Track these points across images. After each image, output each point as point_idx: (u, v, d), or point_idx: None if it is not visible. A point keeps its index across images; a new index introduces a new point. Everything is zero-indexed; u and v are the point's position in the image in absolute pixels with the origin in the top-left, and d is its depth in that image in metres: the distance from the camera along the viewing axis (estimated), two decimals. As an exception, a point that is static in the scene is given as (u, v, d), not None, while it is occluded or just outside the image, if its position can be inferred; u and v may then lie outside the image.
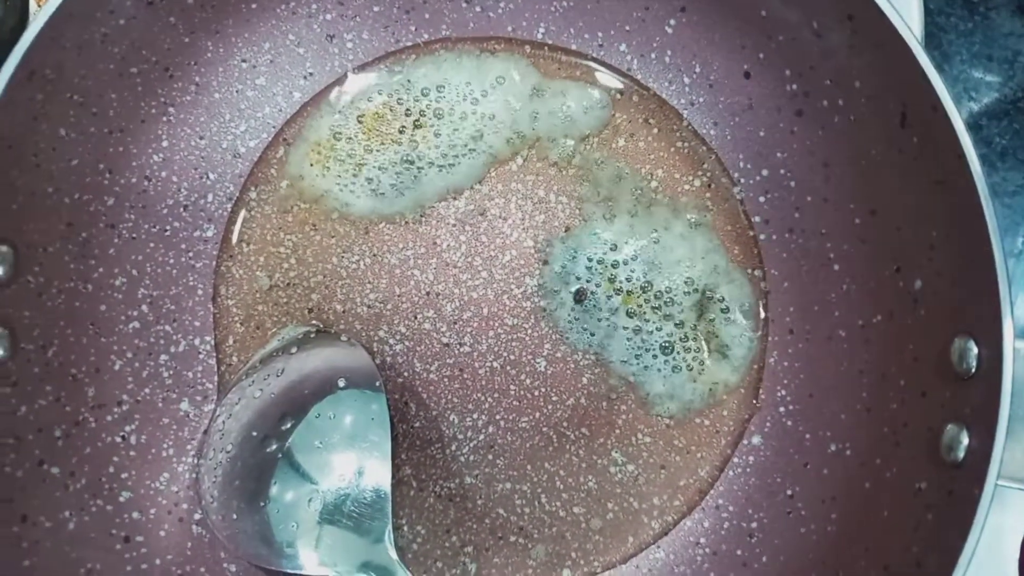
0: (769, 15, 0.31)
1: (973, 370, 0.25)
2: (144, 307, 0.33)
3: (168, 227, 0.34)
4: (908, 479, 0.28)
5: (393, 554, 0.29)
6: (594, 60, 0.36)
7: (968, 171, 0.25)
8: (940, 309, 0.28)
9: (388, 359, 0.34)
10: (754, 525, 0.33)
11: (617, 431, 0.34)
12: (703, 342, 0.34)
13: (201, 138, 0.35)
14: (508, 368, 0.34)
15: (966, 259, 0.26)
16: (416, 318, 0.35)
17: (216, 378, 0.34)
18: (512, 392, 0.34)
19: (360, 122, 0.36)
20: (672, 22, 0.34)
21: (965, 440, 0.25)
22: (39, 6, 0.38)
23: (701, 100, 0.35)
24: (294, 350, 0.33)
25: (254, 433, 0.31)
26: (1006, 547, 0.27)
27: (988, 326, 0.25)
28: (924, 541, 0.26)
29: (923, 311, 0.29)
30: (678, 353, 0.34)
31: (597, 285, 0.35)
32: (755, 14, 0.31)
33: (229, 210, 0.35)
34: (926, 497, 0.27)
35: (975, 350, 0.26)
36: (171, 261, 0.34)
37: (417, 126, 0.36)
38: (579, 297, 0.34)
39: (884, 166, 0.30)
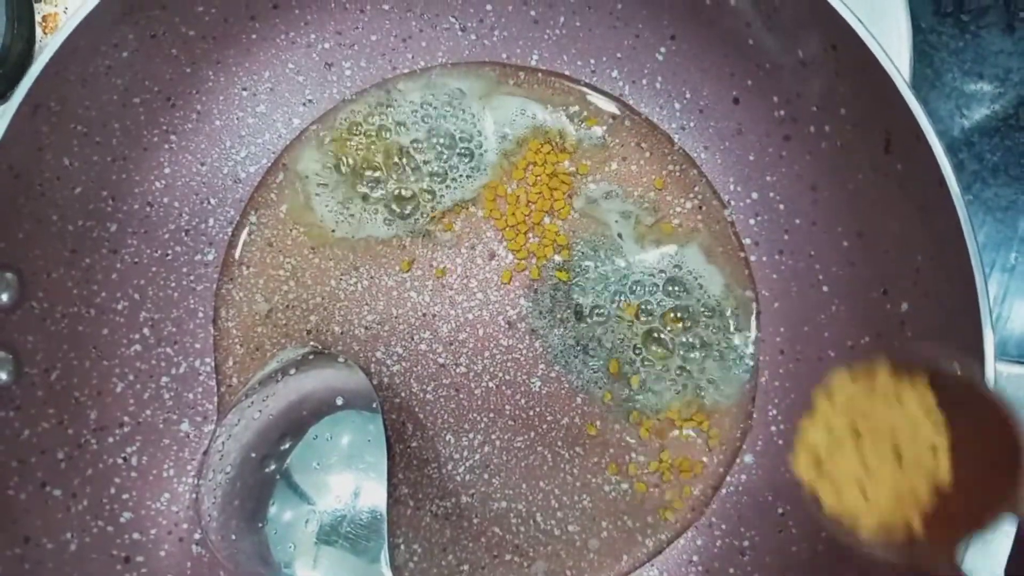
0: (756, 44, 0.31)
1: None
2: (146, 330, 0.34)
3: (169, 251, 0.35)
4: (896, 499, 0.28)
5: (389, 574, 0.29)
6: (587, 86, 0.36)
7: (950, 199, 0.26)
8: (926, 331, 0.28)
9: (385, 380, 0.35)
10: (746, 543, 0.33)
11: (611, 450, 0.34)
12: (695, 362, 0.35)
13: (202, 164, 0.35)
14: (503, 388, 0.35)
15: (950, 283, 0.27)
16: (413, 339, 0.35)
17: (216, 399, 0.35)
18: (507, 412, 0.35)
19: (357, 147, 0.36)
20: (663, 50, 0.35)
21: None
22: (46, 34, 0.39)
23: (692, 125, 0.36)
24: (293, 371, 0.34)
25: (253, 454, 0.32)
26: (994, 563, 0.28)
27: (971, 349, 0.25)
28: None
29: (910, 333, 0.29)
30: (671, 372, 0.35)
31: (592, 306, 0.35)
32: (743, 43, 0.32)
33: (230, 234, 0.36)
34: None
35: (959, 372, 0.26)
36: (172, 284, 0.35)
37: (413, 151, 0.36)
38: (578, 316, 0.35)
39: (870, 191, 0.30)
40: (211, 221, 0.36)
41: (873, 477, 0.19)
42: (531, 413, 0.35)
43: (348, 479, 0.31)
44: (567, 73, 0.36)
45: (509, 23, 0.36)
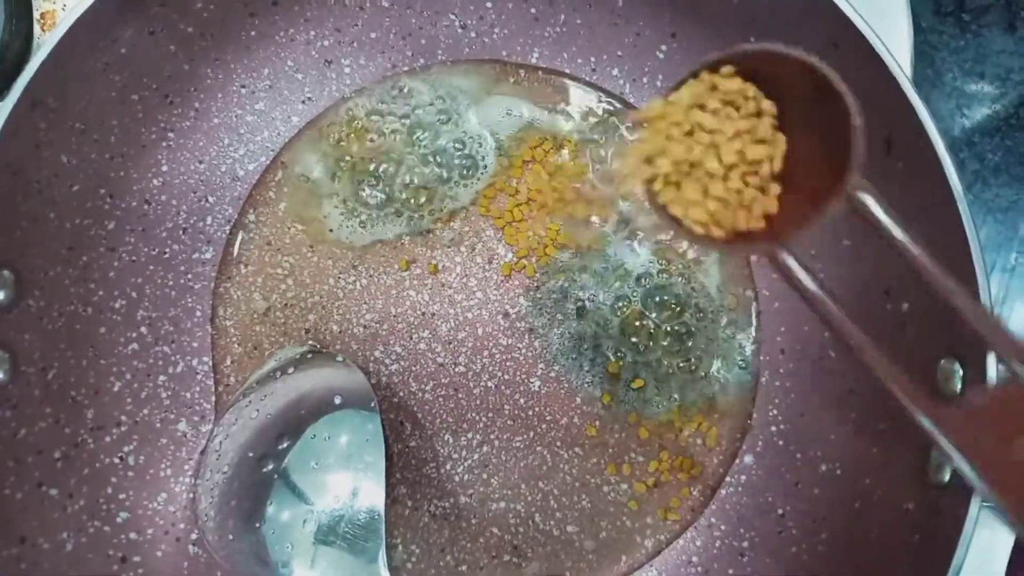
0: (757, 41, 0.31)
1: (958, 392, 0.26)
2: (143, 329, 0.34)
3: (167, 250, 0.35)
4: (896, 500, 0.28)
5: (387, 574, 0.29)
6: (587, 84, 0.36)
7: (951, 198, 0.26)
8: (927, 331, 0.28)
9: (384, 379, 0.35)
10: (745, 544, 0.33)
11: (610, 450, 0.34)
12: (696, 361, 0.35)
13: (200, 162, 0.35)
14: (502, 388, 0.35)
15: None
16: (411, 338, 0.35)
17: (214, 398, 0.35)
18: (506, 412, 0.34)
19: (356, 146, 0.36)
20: (663, 47, 0.35)
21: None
22: (44, 31, 0.39)
23: (692, 124, 0.35)
24: (291, 370, 0.33)
25: (251, 453, 0.31)
26: (994, 566, 0.28)
27: (972, 348, 0.25)
28: (911, 562, 0.27)
29: (911, 333, 0.29)
30: (671, 372, 0.35)
31: (591, 305, 0.35)
32: (744, 40, 0.32)
33: (228, 232, 0.36)
34: (913, 518, 0.27)
35: (960, 372, 0.26)
36: (170, 283, 0.35)
37: (412, 148, 0.36)
38: (577, 315, 0.35)
39: (871, 190, 0.30)
40: (209, 219, 0.35)
41: (706, 172, 0.19)
42: (530, 413, 0.34)
43: (346, 479, 0.31)
44: (567, 71, 0.36)
45: (509, 21, 0.36)
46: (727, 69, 0.20)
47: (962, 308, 0.20)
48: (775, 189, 0.20)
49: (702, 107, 0.20)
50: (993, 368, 0.25)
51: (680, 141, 0.20)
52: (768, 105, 0.20)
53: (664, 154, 0.20)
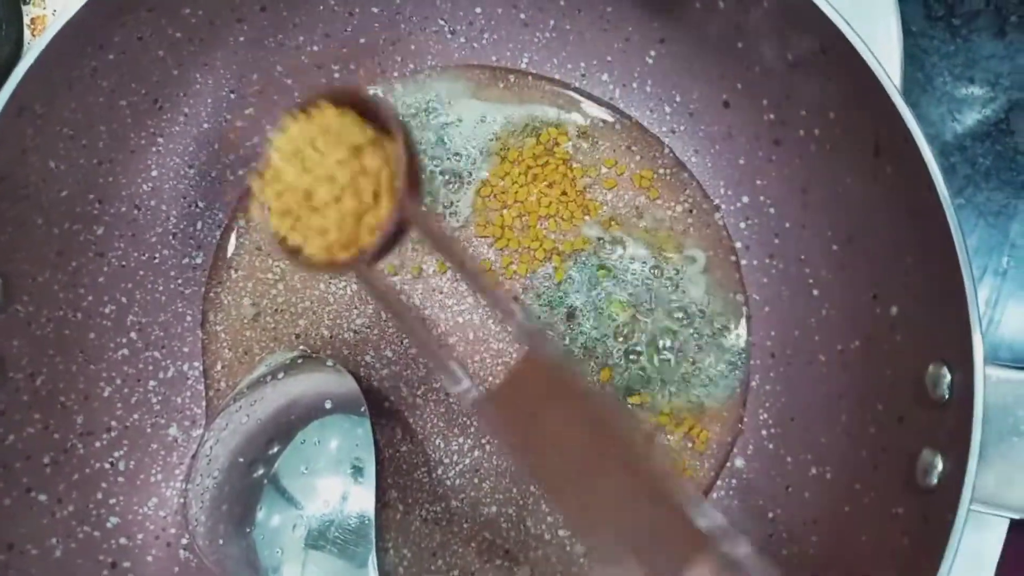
0: (745, 47, 0.31)
1: (947, 396, 0.26)
2: (133, 334, 0.34)
3: (157, 255, 0.35)
4: (885, 503, 0.28)
5: (377, 579, 0.29)
6: (576, 89, 0.36)
7: (939, 203, 0.26)
8: (915, 335, 0.28)
9: (374, 384, 0.35)
10: (737, 548, 0.33)
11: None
12: (687, 365, 0.35)
13: (190, 167, 0.35)
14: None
15: (939, 287, 0.27)
16: (402, 343, 0.35)
17: (204, 403, 0.35)
18: (497, 416, 0.34)
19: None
20: (652, 53, 0.35)
21: (940, 465, 0.26)
22: (34, 36, 0.39)
23: (682, 128, 0.36)
24: (281, 375, 0.33)
25: (241, 458, 0.31)
26: (982, 571, 0.28)
27: (960, 353, 0.25)
28: (901, 566, 0.27)
29: (899, 337, 0.29)
30: (661, 376, 0.35)
31: (581, 309, 0.35)
32: (732, 46, 0.32)
33: (218, 237, 0.36)
34: (902, 522, 0.27)
35: (948, 376, 0.26)
36: (160, 288, 0.35)
37: (403, 154, 0.36)
38: (568, 319, 0.35)
39: (859, 194, 0.30)
40: (199, 224, 0.35)
41: (317, 200, 0.21)
42: (521, 417, 0.34)
43: (336, 483, 0.31)
44: (557, 76, 0.36)
45: (498, 26, 0.36)
46: (325, 105, 0.22)
47: None
48: (384, 206, 0.21)
49: (313, 141, 0.21)
50: (982, 374, 0.25)
51: (289, 174, 0.21)
52: (362, 135, 0.21)
53: (276, 185, 0.21)
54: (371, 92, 0.20)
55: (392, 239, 0.21)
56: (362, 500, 0.30)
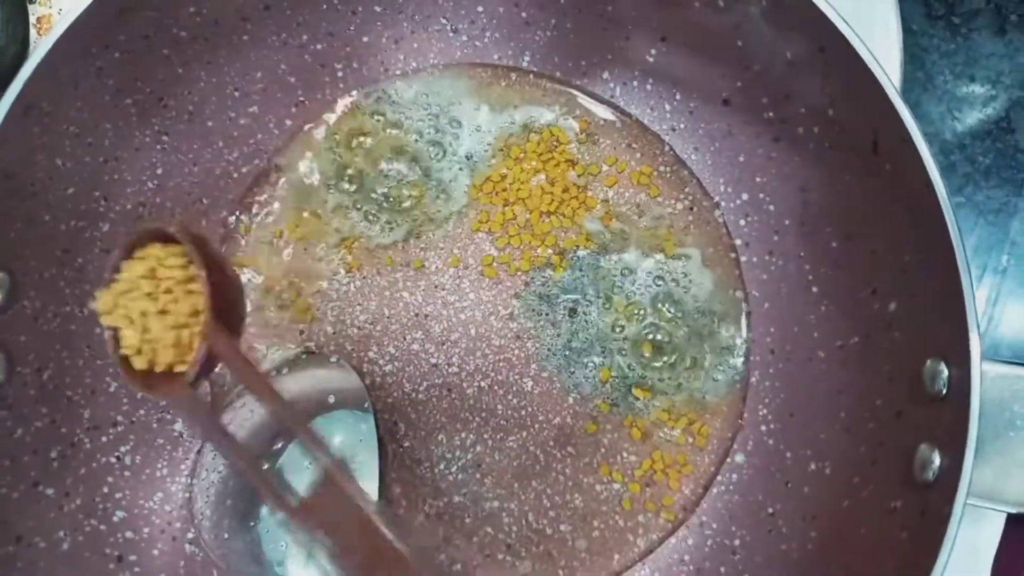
0: (745, 45, 0.32)
1: (944, 392, 0.26)
2: (139, 330, 0.34)
3: (162, 252, 0.35)
4: (884, 498, 0.28)
5: (380, 573, 0.30)
6: (577, 87, 0.37)
7: (937, 201, 0.26)
8: (913, 331, 0.28)
9: (378, 379, 0.35)
10: (737, 543, 0.33)
11: (603, 450, 0.35)
12: (687, 361, 0.35)
13: (195, 165, 0.35)
14: (495, 388, 0.35)
15: (937, 284, 0.27)
16: (405, 339, 0.35)
17: (209, 399, 0.35)
18: (499, 412, 0.35)
19: (349, 149, 0.37)
20: (652, 51, 0.35)
21: (937, 460, 0.26)
22: (40, 35, 0.39)
23: (682, 126, 0.36)
24: (285, 371, 0.34)
25: (245, 454, 0.32)
26: (980, 565, 0.28)
27: (958, 349, 0.26)
28: (899, 560, 0.27)
29: (897, 333, 0.29)
30: (662, 372, 0.35)
31: (583, 306, 0.35)
32: (732, 44, 0.32)
33: (222, 234, 0.36)
34: (900, 516, 0.27)
35: (946, 372, 0.26)
36: (165, 285, 0.35)
37: (404, 151, 0.36)
38: (569, 315, 0.35)
39: (858, 192, 0.30)
40: (204, 222, 0.36)
41: (151, 324, 0.23)
42: (523, 413, 0.35)
43: (340, 478, 0.31)
44: (558, 75, 0.37)
45: (500, 25, 0.36)
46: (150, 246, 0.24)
47: None
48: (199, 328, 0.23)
49: (150, 272, 0.23)
50: (978, 370, 0.25)
51: (130, 304, 0.23)
52: (180, 268, 0.23)
53: (120, 312, 0.23)
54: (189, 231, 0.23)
55: (208, 365, 0.23)
56: (365, 495, 0.31)
